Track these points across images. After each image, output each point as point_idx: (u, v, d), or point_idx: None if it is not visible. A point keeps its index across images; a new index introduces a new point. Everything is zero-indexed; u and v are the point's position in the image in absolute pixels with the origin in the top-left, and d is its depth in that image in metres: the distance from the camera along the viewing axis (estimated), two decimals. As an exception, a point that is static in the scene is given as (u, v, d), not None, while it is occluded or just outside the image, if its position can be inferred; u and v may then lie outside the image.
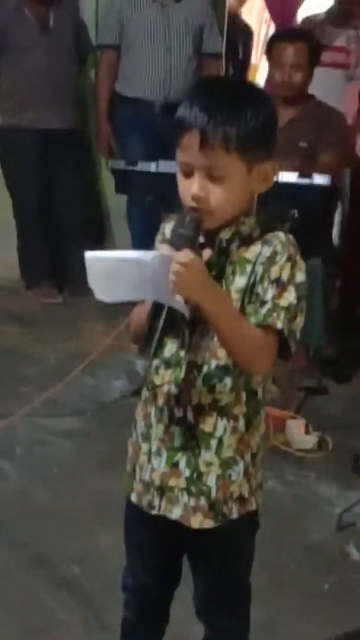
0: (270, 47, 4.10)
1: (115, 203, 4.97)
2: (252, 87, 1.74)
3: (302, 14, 5.99)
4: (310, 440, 3.40)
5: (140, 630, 1.92)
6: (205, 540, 1.71)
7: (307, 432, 3.42)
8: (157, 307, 1.54)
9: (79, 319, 4.47)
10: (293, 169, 3.70)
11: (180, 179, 1.59)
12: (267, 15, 6.85)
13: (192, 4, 4.76)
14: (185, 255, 1.46)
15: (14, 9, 4.67)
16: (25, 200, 4.92)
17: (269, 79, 4.33)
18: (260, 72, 7.00)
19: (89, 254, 1.49)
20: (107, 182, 4.86)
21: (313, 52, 4.04)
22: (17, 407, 3.42)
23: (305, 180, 3.68)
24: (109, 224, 5.31)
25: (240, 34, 6.45)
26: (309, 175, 3.69)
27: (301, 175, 3.68)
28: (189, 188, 1.56)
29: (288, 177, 3.66)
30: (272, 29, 6.37)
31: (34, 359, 4.07)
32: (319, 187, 3.71)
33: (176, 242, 1.51)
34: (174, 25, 4.69)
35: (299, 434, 3.41)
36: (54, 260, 4.92)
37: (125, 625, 1.94)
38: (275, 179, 1.62)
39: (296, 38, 4.06)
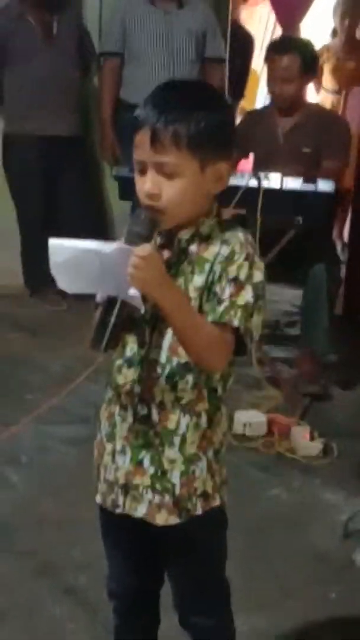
0: (266, 58, 4.17)
1: (120, 210, 4.97)
2: (208, 90, 1.77)
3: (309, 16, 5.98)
4: (316, 447, 3.39)
5: (132, 634, 1.92)
6: (172, 537, 1.72)
7: (312, 438, 3.41)
8: (111, 302, 1.55)
9: (84, 326, 4.43)
10: (297, 175, 3.70)
11: (136, 177, 1.62)
12: (272, 21, 6.83)
13: (195, 10, 4.76)
14: (144, 249, 1.49)
15: (17, 16, 4.69)
16: (29, 207, 4.93)
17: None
18: (262, 79, 6.99)
19: (52, 241, 1.51)
20: (111, 189, 4.86)
21: (307, 61, 4.01)
22: (23, 414, 3.41)
23: (309, 187, 3.68)
24: (113, 230, 5.30)
25: (241, 41, 6.44)
26: (313, 181, 3.69)
27: (305, 181, 3.68)
28: (143, 186, 1.59)
29: (292, 183, 3.66)
30: (276, 36, 6.36)
31: (39, 366, 4.07)
32: (323, 193, 3.71)
33: (131, 240, 1.53)
34: (177, 31, 4.70)
35: (304, 441, 3.40)
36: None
37: (117, 633, 1.93)
38: (228, 181, 1.64)
39: (287, 49, 4.03)
